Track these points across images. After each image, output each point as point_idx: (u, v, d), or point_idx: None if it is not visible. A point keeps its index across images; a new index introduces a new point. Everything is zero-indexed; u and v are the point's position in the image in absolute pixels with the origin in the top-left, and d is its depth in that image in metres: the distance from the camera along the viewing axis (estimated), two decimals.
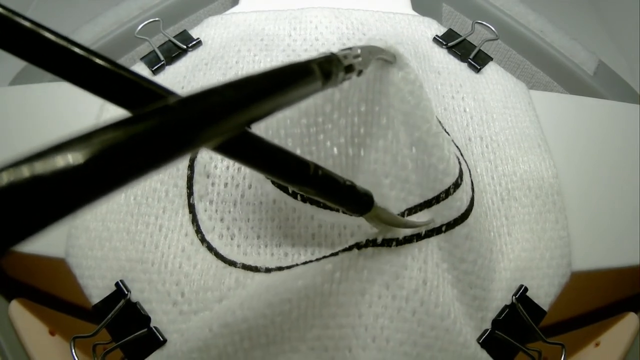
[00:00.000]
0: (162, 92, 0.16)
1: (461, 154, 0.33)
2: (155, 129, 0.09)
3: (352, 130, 0.27)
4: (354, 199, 0.22)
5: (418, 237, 0.27)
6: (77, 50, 0.14)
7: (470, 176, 0.31)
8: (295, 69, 0.15)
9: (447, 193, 0.28)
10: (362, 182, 0.27)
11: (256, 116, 0.13)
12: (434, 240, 0.28)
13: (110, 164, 0.08)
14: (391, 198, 0.27)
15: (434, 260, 0.27)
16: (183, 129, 0.09)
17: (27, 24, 0.13)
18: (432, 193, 0.27)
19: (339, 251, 0.27)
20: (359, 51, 0.22)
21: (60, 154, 0.07)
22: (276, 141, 0.27)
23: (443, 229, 0.28)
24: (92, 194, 0.08)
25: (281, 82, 0.14)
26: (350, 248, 0.27)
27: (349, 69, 0.20)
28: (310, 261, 0.27)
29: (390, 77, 0.26)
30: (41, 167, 0.07)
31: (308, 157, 0.27)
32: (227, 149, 0.16)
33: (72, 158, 0.07)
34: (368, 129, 0.27)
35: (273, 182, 0.28)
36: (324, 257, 0.27)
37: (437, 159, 0.27)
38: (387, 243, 0.27)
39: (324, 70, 0.17)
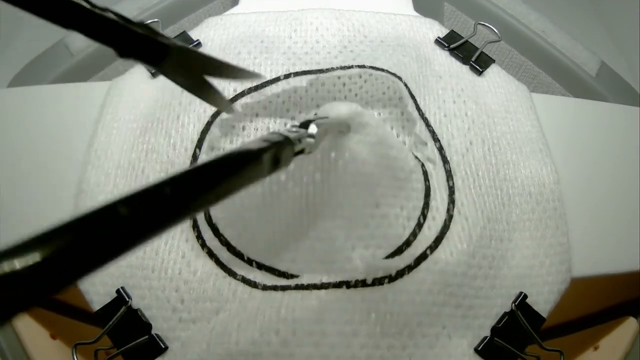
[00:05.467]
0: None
1: (448, 175, 0.33)
2: (104, 233, 0.10)
3: (307, 200, 0.27)
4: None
5: (409, 268, 0.28)
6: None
7: (454, 206, 0.31)
8: (243, 158, 0.16)
9: (408, 243, 0.29)
10: (320, 249, 0.28)
11: (200, 207, 0.14)
12: (423, 265, 0.28)
13: (64, 263, 0.09)
14: (355, 258, 0.27)
15: (425, 287, 0.28)
16: (131, 231, 0.11)
17: None
18: (398, 242, 0.28)
19: (330, 284, 0.27)
20: (314, 131, 0.21)
21: (20, 257, 0.09)
22: (233, 209, 0.28)
23: (428, 252, 0.29)
24: (51, 287, 0.09)
25: (226, 172, 0.15)
26: (339, 285, 0.27)
27: (299, 153, 0.20)
28: (302, 285, 0.27)
29: (346, 142, 0.26)
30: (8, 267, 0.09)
31: (265, 226, 0.28)
32: None
33: (29, 260, 0.09)
34: (325, 197, 0.27)
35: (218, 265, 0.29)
36: (314, 285, 0.27)
37: (400, 208, 0.28)
38: (378, 282, 0.27)
39: (274, 159, 0.17)
